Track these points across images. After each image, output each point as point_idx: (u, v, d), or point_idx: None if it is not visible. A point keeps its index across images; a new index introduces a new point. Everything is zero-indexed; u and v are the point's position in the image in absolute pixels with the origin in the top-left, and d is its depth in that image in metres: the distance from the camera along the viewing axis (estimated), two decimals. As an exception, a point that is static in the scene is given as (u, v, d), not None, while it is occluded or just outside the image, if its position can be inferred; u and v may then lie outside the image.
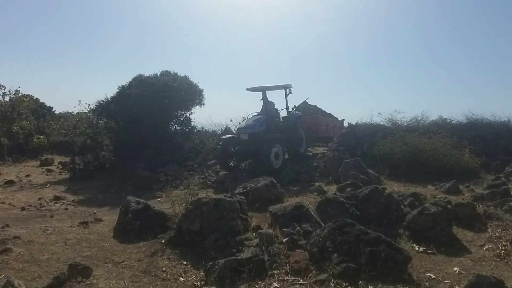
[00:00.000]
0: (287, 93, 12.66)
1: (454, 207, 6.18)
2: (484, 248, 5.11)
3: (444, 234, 5.34)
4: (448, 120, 14.66)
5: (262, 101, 12.34)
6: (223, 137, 11.98)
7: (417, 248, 5.11)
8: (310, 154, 15.96)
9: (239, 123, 12.68)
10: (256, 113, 12.10)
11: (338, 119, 17.92)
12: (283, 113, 13.20)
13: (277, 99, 12.68)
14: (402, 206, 6.33)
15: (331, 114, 18.38)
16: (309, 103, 16.98)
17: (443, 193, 8.05)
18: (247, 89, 12.41)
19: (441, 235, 5.31)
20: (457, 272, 4.38)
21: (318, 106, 18.36)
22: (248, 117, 12.10)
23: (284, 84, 12.58)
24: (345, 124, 18.94)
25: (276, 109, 12.63)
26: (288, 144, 11.63)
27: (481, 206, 6.71)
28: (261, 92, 12.46)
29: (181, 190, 8.20)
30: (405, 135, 11.42)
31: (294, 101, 16.77)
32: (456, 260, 4.75)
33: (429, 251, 4.99)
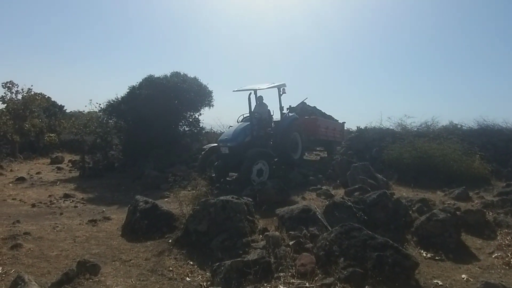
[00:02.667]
0: (281, 93, 11.43)
1: (463, 213, 6.14)
2: (493, 256, 5.05)
3: (453, 241, 5.29)
4: (459, 126, 14.58)
5: (258, 103, 11.38)
6: (205, 146, 10.71)
7: (424, 254, 5.07)
8: (318, 158, 15.78)
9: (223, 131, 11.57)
10: (248, 115, 11.07)
11: (339, 121, 17.06)
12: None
13: (273, 100, 11.84)
14: (411, 212, 6.30)
15: (331, 116, 17.38)
16: (307, 103, 16.25)
17: (452, 199, 8.00)
18: (234, 91, 11.30)
19: (450, 242, 5.27)
20: (465, 279, 4.34)
21: (318, 108, 17.38)
22: (238, 120, 11.02)
23: (277, 83, 11.41)
24: (354, 128, 18.62)
25: (269, 111, 11.50)
26: (279, 151, 10.55)
27: (491, 213, 6.65)
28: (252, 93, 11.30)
29: (189, 190, 8.25)
30: (414, 140, 11.37)
31: (294, 102, 16.19)
32: (464, 267, 4.70)
33: (437, 258, 4.95)
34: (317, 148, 17.04)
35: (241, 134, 9.96)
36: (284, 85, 11.37)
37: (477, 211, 6.27)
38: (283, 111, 11.66)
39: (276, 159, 10.10)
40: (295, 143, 11.64)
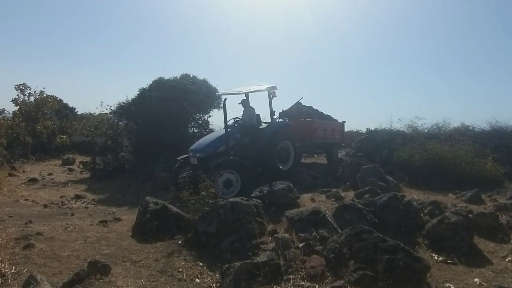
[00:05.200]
0: (272, 96, 10.33)
1: (476, 216, 6.05)
2: (507, 260, 4.98)
3: (465, 244, 5.22)
4: (471, 128, 14.43)
5: (244, 108, 10.57)
6: (179, 157, 9.80)
7: (436, 258, 5.01)
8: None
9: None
10: (238, 118, 10.37)
11: (338, 121, 16.30)
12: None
13: (264, 104, 10.51)
14: (422, 215, 6.23)
15: (329, 116, 16.59)
16: (303, 104, 15.73)
17: (464, 202, 7.90)
18: (217, 94, 10.71)
19: (462, 245, 5.20)
20: (477, 283, 4.27)
21: (315, 107, 16.61)
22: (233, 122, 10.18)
23: (267, 86, 10.31)
24: (364, 129, 18.35)
25: (258, 116, 10.53)
26: (262, 162, 9.65)
27: (504, 216, 6.56)
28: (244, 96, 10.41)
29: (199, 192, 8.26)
30: (425, 142, 11.28)
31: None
32: (477, 271, 4.63)
33: (449, 261, 4.89)
34: (317, 152, 16.58)
35: (214, 144, 9.15)
36: (274, 87, 10.33)
37: (490, 214, 6.18)
38: (274, 116, 10.73)
39: (259, 170, 9.33)
40: (286, 152, 10.43)
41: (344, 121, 16.49)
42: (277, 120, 10.76)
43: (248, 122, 10.24)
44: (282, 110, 14.30)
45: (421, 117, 14.64)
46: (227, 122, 9.49)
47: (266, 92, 10.34)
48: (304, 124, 13.19)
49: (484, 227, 5.91)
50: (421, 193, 8.87)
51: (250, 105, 10.66)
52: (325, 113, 16.59)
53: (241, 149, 9.56)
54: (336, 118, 16.60)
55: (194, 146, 9.34)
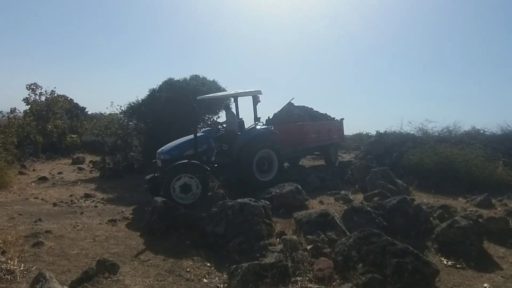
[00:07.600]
0: (256, 101, 9.82)
1: (486, 221, 5.98)
2: (517, 265, 4.91)
3: (474, 249, 5.16)
4: (482, 131, 14.27)
5: (227, 113, 10.27)
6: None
7: (445, 262, 4.96)
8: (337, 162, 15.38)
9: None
10: (214, 121, 10.05)
11: (336, 119, 15.68)
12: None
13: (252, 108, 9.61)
14: (431, 218, 6.18)
15: (325, 114, 15.85)
16: (295, 104, 15.26)
17: (474, 206, 7.83)
18: (199, 98, 10.34)
19: (471, 250, 5.14)
20: (487, 288, 4.22)
21: (309, 107, 15.97)
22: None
23: (251, 90, 9.81)
24: (374, 132, 18.13)
25: (242, 121, 10.06)
26: (237, 170, 9.06)
27: (514, 221, 6.46)
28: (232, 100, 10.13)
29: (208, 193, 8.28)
30: (436, 145, 11.20)
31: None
32: (486, 276, 4.58)
33: (458, 265, 4.84)
34: (313, 155, 16.07)
35: (180, 147, 8.73)
36: (259, 92, 9.76)
37: (500, 218, 6.11)
38: (257, 122, 10.03)
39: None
40: (268, 162, 9.60)
41: (343, 119, 16.06)
42: (258, 127, 9.92)
43: (229, 127, 9.77)
44: (268, 117, 13.95)
45: (431, 120, 14.51)
46: (196, 125, 9.08)
47: (251, 97, 9.86)
48: (294, 129, 12.42)
49: (494, 232, 5.85)
50: (430, 197, 8.79)
51: (234, 110, 10.32)
52: (321, 112, 16.00)
53: (217, 155, 9.10)
54: (333, 116, 16.08)
55: (162, 148, 8.92)
